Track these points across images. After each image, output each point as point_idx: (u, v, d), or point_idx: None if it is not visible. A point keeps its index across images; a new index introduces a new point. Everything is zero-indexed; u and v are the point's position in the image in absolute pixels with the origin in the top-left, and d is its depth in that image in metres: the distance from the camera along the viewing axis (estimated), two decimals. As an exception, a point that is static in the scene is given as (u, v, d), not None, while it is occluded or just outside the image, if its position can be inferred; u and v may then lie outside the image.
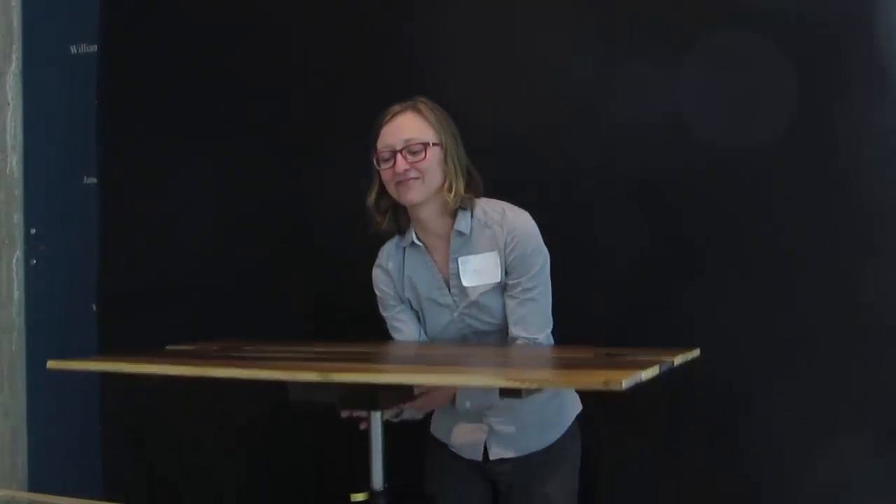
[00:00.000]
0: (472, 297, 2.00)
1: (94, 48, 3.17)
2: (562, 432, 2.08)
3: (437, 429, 2.15)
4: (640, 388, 2.33)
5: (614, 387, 1.14)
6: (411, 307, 2.09)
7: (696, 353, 1.53)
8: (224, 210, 2.86)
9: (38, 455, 3.32)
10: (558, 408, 2.08)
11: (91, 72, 3.13)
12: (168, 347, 2.11)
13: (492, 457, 2.05)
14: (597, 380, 1.15)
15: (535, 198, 2.37)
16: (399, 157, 1.95)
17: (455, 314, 2.02)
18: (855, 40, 2.16)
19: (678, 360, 1.35)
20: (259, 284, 2.80)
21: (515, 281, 1.96)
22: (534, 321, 1.97)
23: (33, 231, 3.33)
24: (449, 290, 2.02)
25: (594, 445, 2.26)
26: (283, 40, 2.80)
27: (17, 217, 3.33)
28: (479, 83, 2.46)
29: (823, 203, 2.19)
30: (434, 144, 1.96)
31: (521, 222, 1.98)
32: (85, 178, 3.20)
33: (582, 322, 2.18)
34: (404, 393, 1.70)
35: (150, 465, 3.00)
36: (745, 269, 2.26)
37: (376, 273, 2.11)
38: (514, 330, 1.97)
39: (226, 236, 2.87)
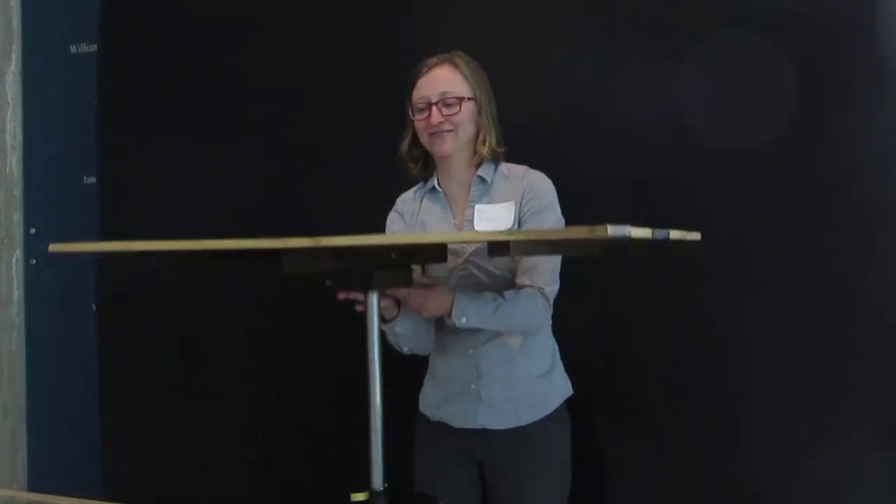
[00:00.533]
0: (480, 245, 2.00)
1: (94, 48, 3.17)
2: (550, 410, 2.07)
3: (427, 402, 2.15)
4: (640, 387, 2.36)
5: (599, 234, 1.08)
6: None
7: (696, 235, 1.49)
8: (223, 210, 2.86)
9: (38, 455, 3.32)
10: (549, 385, 2.08)
11: (91, 71, 3.13)
12: None
13: (480, 424, 2.04)
14: (581, 231, 1.11)
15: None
16: (434, 109, 2.00)
17: (460, 261, 2.03)
18: (855, 40, 2.16)
19: (675, 234, 1.31)
20: (259, 284, 2.80)
21: (528, 230, 1.98)
22: (542, 272, 2.00)
23: (33, 231, 3.32)
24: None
25: (594, 445, 2.26)
26: (282, 40, 2.80)
27: (17, 217, 3.33)
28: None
29: (823, 203, 2.19)
30: (469, 99, 2.01)
31: (542, 180, 2.06)
32: (85, 177, 3.20)
33: (581, 322, 2.18)
34: (401, 276, 1.64)
35: (149, 465, 3.00)
36: (745, 268, 2.26)
37: (391, 216, 2.17)
38: (521, 279, 2.00)
39: (225, 236, 2.86)
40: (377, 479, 1.72)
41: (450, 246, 2.01)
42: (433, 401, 2.13)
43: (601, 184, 2.35)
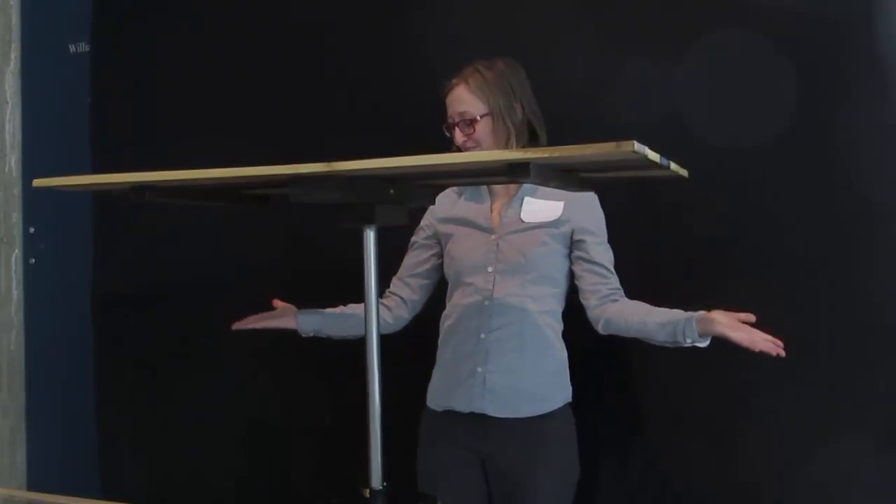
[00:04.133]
0: (522, 226, 2.09)
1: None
2: (551, 408, 2.09)
3: (434, 392, 2.17)
4: (640, 387, 2.35)
5: (626, 148, 1.17)
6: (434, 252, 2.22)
7: (684, 172, 1.56)
8: (220, 209, 2.85)
9: (37, 454, 3.32)
10: (553, 384, 2.10)
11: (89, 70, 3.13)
12: None
13: (480, 409, 2.07)
14: (608, 146, 1.18)
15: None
16: (456, 130, 2.12)
17: (493, 237, 2.10)
18: (855, 40, 2.16)
19: (674, 166, 1.44)
20: (256, 284, 2.79)
21: (585, 240, 2.09)
22: (611, 278, 2.10)
23: (32, 230, 3.32)
24: (497, 218, 2.12)
25: (593, 444, 2.26)
26: (279, 39, 2.80)
27: (16, 216, 3.33)
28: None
29: (824, 203, 2.19)
30: (483, 116, 2.09)
31: (591, 194, 2.13)
32: (84, 177, 3.20)
33: (581, 322, 2.17)
34: (398, 213, 1.71)
35: (147, 464, 3.00)
36: (745, 269, 2.26)
37: (430, 207, 2.23)
38: (609, 288, 2.09)
39: (222, 235, 2.86)
40: (376, 479, 1.72)
41: (485, 225, 2.13)
42: (440, 389, 2.16)
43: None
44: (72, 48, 3.24)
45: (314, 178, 1.51)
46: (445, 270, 2.21)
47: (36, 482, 3.28)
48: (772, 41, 2.21)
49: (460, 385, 2.10)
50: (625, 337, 2.07)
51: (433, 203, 1.80)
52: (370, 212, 1.65)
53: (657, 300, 2.08)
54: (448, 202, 2.21)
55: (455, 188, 2.22)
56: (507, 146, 2.09)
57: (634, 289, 2.35)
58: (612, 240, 2.15)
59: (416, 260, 2.27)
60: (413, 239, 2.28)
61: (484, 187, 2.17)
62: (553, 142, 2.39)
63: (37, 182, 1.72)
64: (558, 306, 2.12)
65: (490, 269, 2.09)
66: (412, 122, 2.39)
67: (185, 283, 2.91)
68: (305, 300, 2.72)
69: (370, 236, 1.67)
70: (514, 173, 1.29)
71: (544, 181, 1.34)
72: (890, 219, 2.16)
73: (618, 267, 2.14)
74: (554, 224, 2.08)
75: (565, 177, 1.50)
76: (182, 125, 2.94)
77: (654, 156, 1.28)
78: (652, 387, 2.36)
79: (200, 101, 2.91)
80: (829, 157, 2.19)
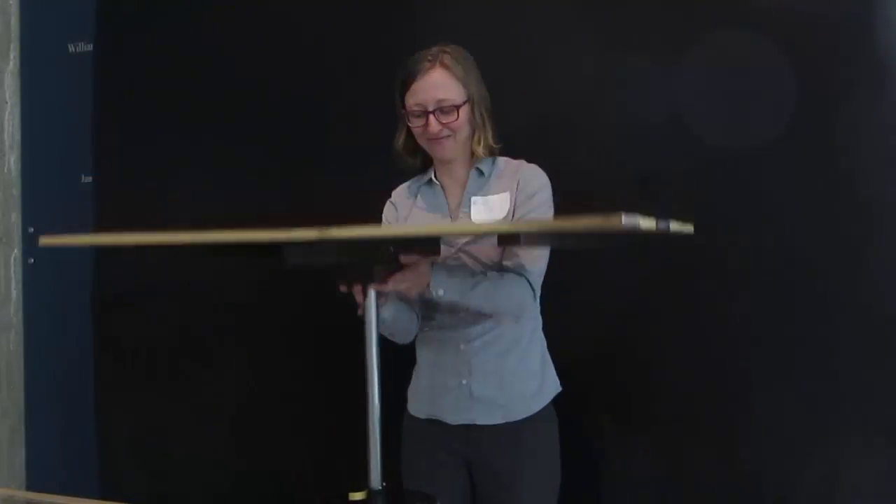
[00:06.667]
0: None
1: (92, 47, 3.17)
2: (540, 406, 2.06)
3: (417, 400, 2.12)
4: (638, 387, 2.35)
5: (613, 222, 1.12)
6: None
7: (689, 228, 1.53)
8: (220, 209, 2.85)
9: (36, 454, 3.31)
10: (540, 382, 2.07)
11: (89, 70, 3.12)
12: None
13: (471, 420, 2.02)
14: (596, 220, 1.14)
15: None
16: (431, 118, 1.96)
17: (453, 250, 2.01)
18: (855, 40, 2.16)
19: (674, 225, 1.36)
20: (257, 284, 2.79)
21: (517, 217, 1.96)
22: (525, 255, 1.96)
23: (31, 230, 3.32)
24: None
25: (590, 444, 2.26)
26: (280, 39, 2.80)
27: (15, 216, 3.33)
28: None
29: (824, 203, 2.19)
30: (465, 102, 1.97)
31: (536, 169, 2.04)
32: (83, 176, 3.20)
33: (581, 321, 2.17)
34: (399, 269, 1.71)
35: (147, 464, 3.00)
36: (745, 269, 2.26)
37: (386, 205, 2.16)
38: (505, 263, 1.98)
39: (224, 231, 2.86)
40: (375, 479, 1.72)
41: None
42: (424, 398, 2.10)
43: (602, 183, 2.35)
44: (71, 48, 3.23)
45: (308, 243, 1.45)
46: None
47: (35, 482, 3.27)
48: (772, 41, 2.21)
49: (445, 395, 2.04)
50: (624, 336, 2.06)
51: (437, 254, 1.71)
52: (368, 271, 1.61)
53: (657, 300, 2.08)
54: (404, 206, 2.12)
55: (408, 183, 2.14)
56: (482, 135, 2.01)
57: (634, 289, 2.35)
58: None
59: None
60: None
61: (437, 185, 2.07)
62: (552, 144, 2.40)
63: (44, 240, 1.71)
64: (533, 302, 2.06)
65: None
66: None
67: (185, 283, 2.90)
68: (305, 300, 2.72)
69: (371, 295, 1.63)
70: (505, 241, 1.27)
71: (537, 244, 1.31)
72: (890, 219, 2.16)
73: (618, 267, 2.13)
74: (504, 221, 1.99)
75: (560, 241, 1.49)
76: (182, 125, 2.93)
77: (647, 224, 1.21)
78: (652, 387, 2.36)
79: (201, 102, 2.90)
80: (830, 157, 2.19)
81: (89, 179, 3.17)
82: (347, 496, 1.70)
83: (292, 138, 2.76)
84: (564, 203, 2.37)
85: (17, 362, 3.30)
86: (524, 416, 2.04)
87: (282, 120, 2.78)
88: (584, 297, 2.31)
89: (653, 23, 2.34)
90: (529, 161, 2.08)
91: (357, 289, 1.68)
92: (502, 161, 2.07)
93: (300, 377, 2.77)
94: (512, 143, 2.37)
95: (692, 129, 2.25)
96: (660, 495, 2.34)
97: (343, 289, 1.72)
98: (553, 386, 2.11)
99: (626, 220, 1.11)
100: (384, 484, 1.68)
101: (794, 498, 2.22)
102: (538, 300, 2.05)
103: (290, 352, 2.75)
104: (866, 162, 2.16)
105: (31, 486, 3.28)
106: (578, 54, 2.41)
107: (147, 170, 2.98)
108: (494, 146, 2.05)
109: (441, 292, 1.88)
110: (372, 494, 1.71)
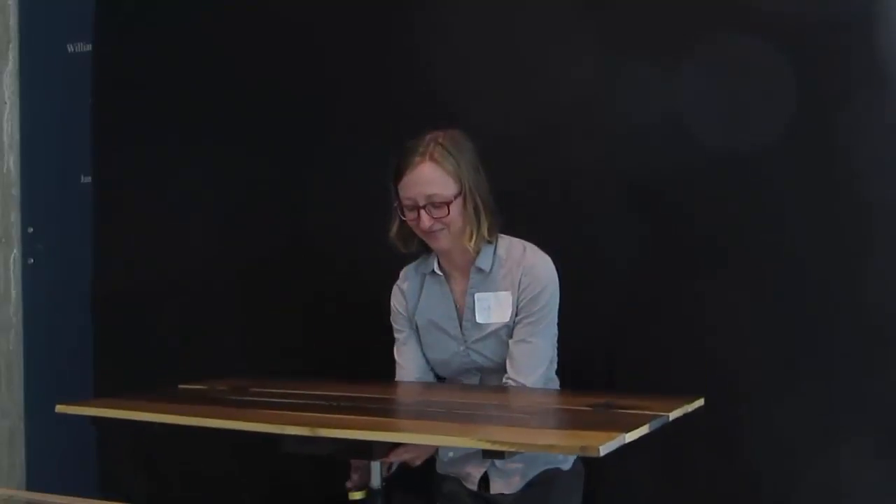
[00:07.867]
0: (482, 333, 2.01)
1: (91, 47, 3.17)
2: (565, 462, 2.07)
3: (439, 463, 2.13)
4: (640, 387, 2.34)
5: (590, 453, 1.13)
6: (418, 332, 2.10)
7: (699, 402, 1.51)
8: (220, 209, 2.85)
9: (36, 454, 3.31)
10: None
11: (88, 70, 3.12)
12: (181, 387, 2.13)
13: (493, 490, 2.04)
14: (574, 444, 1.17)
15: (535, 199, 2.37)
16: (423, 213, 1.93)
17: (462, 348, 2.03)
18: (855, 40, 2.16)
19: (675, 413, 1.35)
20: (255, 284, 2.79)
21: (519, 318, 1.98)
22: (523, 363, 1.98)
23: (30, 230, 3.32)
24: (460, 323, 2.04)
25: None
26: (279, 39, 2.79)
27: (15, 216, 3.33)
28: (478, 85, 2.46)
29: (824, 203, 2.19)
30: (456, 196, 1.93)
31: (539, 262, 2.00)
32: (82, 177, 3.20)
33: (582, 324, 2.17)
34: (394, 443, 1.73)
35: (146, 464, 2.99)
36: (746, 270, 2.26)
37: (394, 291, 2.13)
38: (508, 370, 1.99)
39: (222, 235, 2.86)
40: (375, 478, 1.72)
41: (453, 333, 2.03)
42: (446, 458, 2.10)
43: (601, 185, 2.35)
44: (70, 48, 3.23)
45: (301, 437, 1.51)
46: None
47: (35, 482, 3.27)
48: (772, 42, 2.20)
49: (466, 465, 2.05)
50: (624, 336, 2.06)
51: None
52: (368, 450, 1.63)
53: (657, 300, 2.08)
54: (412, 291, 2.10)
55: (413, 268, 2.12)
56: (478, 225, 1.95)
57: (634, 289, 2.35)
58: (612, 240, 2.15)
59: (415, 352, 2.10)
60: (396, 328, 2.12)
61: (440, 276, 2.05)
62: (552, 147, 2.39)
63: (59, 408, 1.82)
64: (551, 376, 2.08)
65: (470, 369, 2.05)
66: (411, 123, 2.38)
67: (184, 283, 2.90)
68: (305, 300, 2.72)
69: (375, 467, 1.68)
70: (490, 456, 1.31)
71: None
72: (890, 219, 2.16)
73: (618, 267, 2.13)
74: (509, 321, 2.00)
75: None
76: (181, 125, 2.93)
77: (636, 435, 1.25)
78: (652, 386, 2.35)
79: (200, 102, 2.90)
80: (830, 157, 2.18)
81: (88, 179, 3.18)
82: (347, 496, 1.71)
83: (293, 139, 2.76)
84: (563, 203, 2.38)
85: (16, 362, 3.31)
86: (547, 467, 2.04)
87: (281, 120, 2.77)
88: (584, 297, 2.31)
89: (653, 23, 2.34)
90: (521, 172, 2.05)
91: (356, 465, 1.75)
92: (503, 248, 2.02)
93: (300, 377, 2.76)
94: (512, 143, 2.38)
95: (692, 130, 2.25)
96: (660, 495, 2.33)
97: (349, 484, 1.80)
98: None
99: (605, 448, 1.13)
100: (384, 484, 1.68)
101: (795, 498, 2.22)
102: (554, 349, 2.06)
103: (291, 352, 2.75)
104: (867, 163, 2.16)
105: (30, 486, 3.28)
106: (577, 57, 2.40)
107: (146, 170, 2.98)
108: (489, 237, 1.99)
109: (451, 454, 1.93)
110: (372, 494, 1.72)
